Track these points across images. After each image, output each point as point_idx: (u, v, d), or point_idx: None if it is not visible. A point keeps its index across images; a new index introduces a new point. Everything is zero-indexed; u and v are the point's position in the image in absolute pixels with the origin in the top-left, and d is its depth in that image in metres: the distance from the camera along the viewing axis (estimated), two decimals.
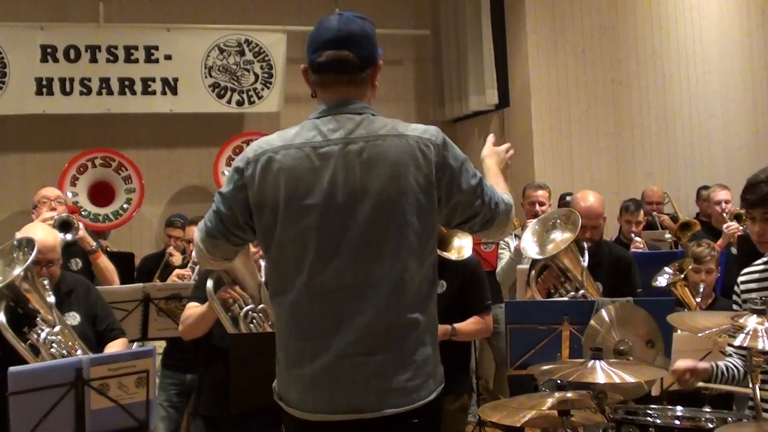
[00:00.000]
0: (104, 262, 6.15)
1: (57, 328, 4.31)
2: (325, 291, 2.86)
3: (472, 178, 3.09)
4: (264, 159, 2.94)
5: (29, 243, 4.37)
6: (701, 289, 5.69)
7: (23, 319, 4.28)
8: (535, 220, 5.41)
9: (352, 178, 2.87)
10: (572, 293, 5.02)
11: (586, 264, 5.11)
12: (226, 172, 9.20)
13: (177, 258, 6.70)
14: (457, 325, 4.81)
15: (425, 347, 2.93)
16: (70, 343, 4.31)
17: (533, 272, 5.12)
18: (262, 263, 4.31)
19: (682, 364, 3.86)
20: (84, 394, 3.51)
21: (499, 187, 3.28)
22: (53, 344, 4.25)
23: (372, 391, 2.84)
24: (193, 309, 4.53)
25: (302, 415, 2.90)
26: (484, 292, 5.00)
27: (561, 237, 5.17)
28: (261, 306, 4.40)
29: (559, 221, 5.22)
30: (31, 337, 4.23)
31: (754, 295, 3.76)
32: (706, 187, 8.84)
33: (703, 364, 3.88)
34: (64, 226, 5.94)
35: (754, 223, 3.71)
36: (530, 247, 5.23)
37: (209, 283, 4.26)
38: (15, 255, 4.36)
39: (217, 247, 3.11)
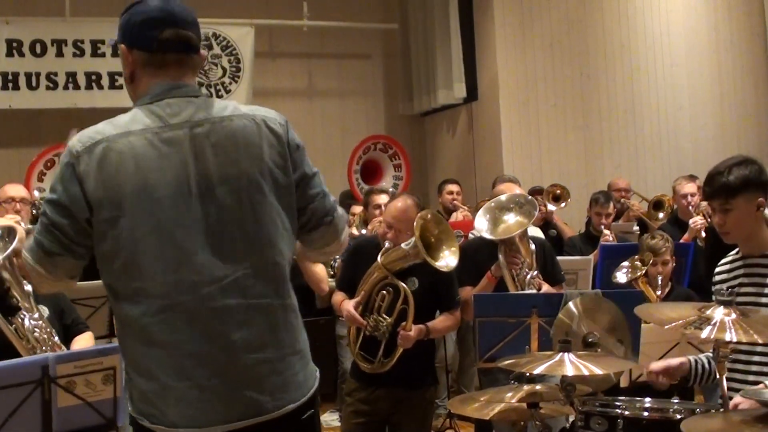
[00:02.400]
0: None
1: (36, 315, 4.27)
2: (196, 287, 2.59)
3: (311, 166, 2.84)
4: (99, 150, 2.58)
5: (11, 232, 4.32)
6: (659, 282, 5.72)
7: (3, 308, 4.24)
8: (491, 201, 5.46)
9: (204, 163, 2.63)
10: (530, 273, 5.10)
11: (533, 248, 5.21)
12: None
13: None
14: (430, 324, 4.79)
15: (303, 332, 2.81)
16: (48, 330, 4.28)
17: (500, 257, 5.14)
18: None
19: (655, 366, 3.81)
20: (51, 392, 3.48)
21: None
22: (36, 330, 4.21)
23: (267, 390, 2.66)
24: None
25: None
26: (454, 289, 4.98)
27: (515, 219, 5.21)
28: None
29: (515, 205, 5.28)
30: (16, 322, 4.17)
31: (720, 286, 3.79)
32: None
33: (677, 362, 3.86)
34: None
35: (715, 214, 3.74)
36: (483, 225, 5.27)
37: None
38: None
39: (58, 266, 2.68)
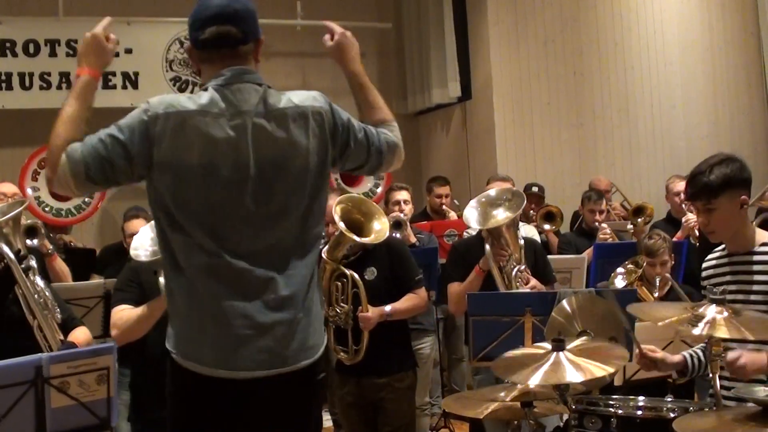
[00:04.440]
0: (59, 265, 6.19)
1: (42, 283, 4.43)
2: (236, 256, 2.96)
3: (358, 132, 3.27)
4: (177, 119, 2.93)
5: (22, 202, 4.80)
6: (657, 283, 5.70)
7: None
8: (482, 194, 5.49)
9: (260, 151, 2.99)
10: (517, 267, 5.11)
11: (522, 242, 5.24)
12: None
13: None
14: (391, 306, 5.00)
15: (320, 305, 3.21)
16: (51, 300, 4.39)
17: (487, 247, 5.17)
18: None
19: (652, 354, 3.76)
20: (44, 393, 3.47)
21: (380, 110, 3.50)
22: (47, 291, 4.39)
23: (290, 347, 3.02)
24: (128, 311, 4.39)
25: (228, 374, 2.97)
26: (412, 268, 5.17)
27: (504, 215, 5.25)
28: None
29: (503, 201, 5.32)
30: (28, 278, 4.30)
31: (709, 282, 3.81)
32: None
33: (675, 358, 3.84)
34: (29, 232, 5.94)
35: (699, 215, 3.75)
36: (472, 216, 5.32)
37: (162, 281, 4.13)
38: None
39: (86, 187, 3.02)
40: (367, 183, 9.92)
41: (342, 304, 4.90)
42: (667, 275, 5.76)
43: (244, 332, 2.96)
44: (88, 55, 3.18)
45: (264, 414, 3.04)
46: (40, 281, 4.41)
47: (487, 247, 5.14)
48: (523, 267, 5.12)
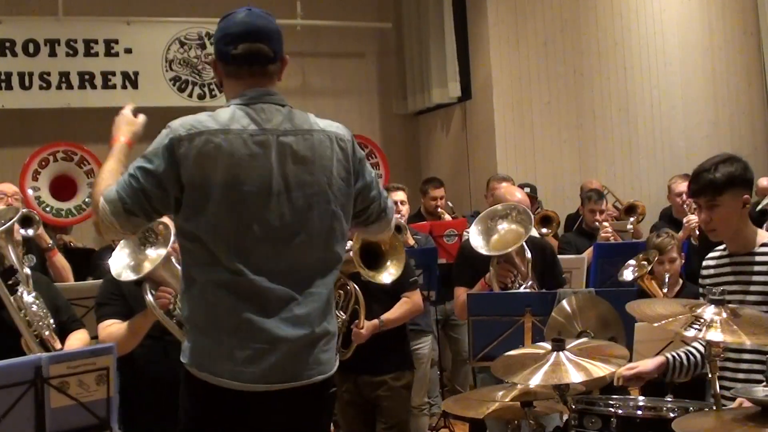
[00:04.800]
0: (60, 261, 6.16)
1: (34, 294, 4.39)
2: (260, 272, 3.00)
3: (370, 172, 3.34)
4: (201, 139, 2.98)
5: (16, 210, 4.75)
6: (666, 280, 5.69)
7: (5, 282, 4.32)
8: (480, 215, 5.33)
9: (285, 168, 3.04)
10: (523, 285, 4.98)
11: (529, 256, 5.05)
12: None
13: None
14: (383, 317, 5.09)
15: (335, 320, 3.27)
16: (44, 310, 4.36)
17: (491, 268, 5.07)
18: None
19: (626, 373, 3.78)
20: (44, 393, 3.47)
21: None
22: (33, 305, 4.32)
23: (305, 361, 3.08)
24: (116, 326, 4.32)
25: (248, 387, 3.00)
26: (408, 270, 5.19)
27: (508, 228, 5.09)
28: None
29: (508, 214, 5.14)
30: (15, 296, 4.26)
31: (708, 281, 3.81)
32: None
33: (653, 365, 3.86)
34: (26, 221, 5.92)
35: (701, 212, 3.75)
36: (477, 242, 5.09)
37: (149, 297, 4.07)
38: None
39: (130, 223, 3.06)
40: None
41: (340, 312, 4.93)
42: (680, 275, 5.78)
43: (260, 346, 3.00)
44: (120, 127, 3.40)
45: (275, 426, 3.09)
46: (28, 296, 4.33)
47: (492, 269, 5.06)
48: (529, 283, 4.98)
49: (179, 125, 3.02)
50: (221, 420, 3.04)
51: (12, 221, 4.57)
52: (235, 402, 3.02)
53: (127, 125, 3.40)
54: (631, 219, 8.12)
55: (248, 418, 3.04)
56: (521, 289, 4.96)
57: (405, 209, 6.95)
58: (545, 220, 8.29)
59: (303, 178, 3.06)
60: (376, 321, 5.05)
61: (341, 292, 4.99)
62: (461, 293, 5.16)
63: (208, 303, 3.04)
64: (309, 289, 3.09)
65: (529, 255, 5.07)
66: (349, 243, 4.69)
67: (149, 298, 4.09)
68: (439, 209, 8.29)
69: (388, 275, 4.99)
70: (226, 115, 3.05)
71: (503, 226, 5.10)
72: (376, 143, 10.39)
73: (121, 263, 4.27)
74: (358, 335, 4.98)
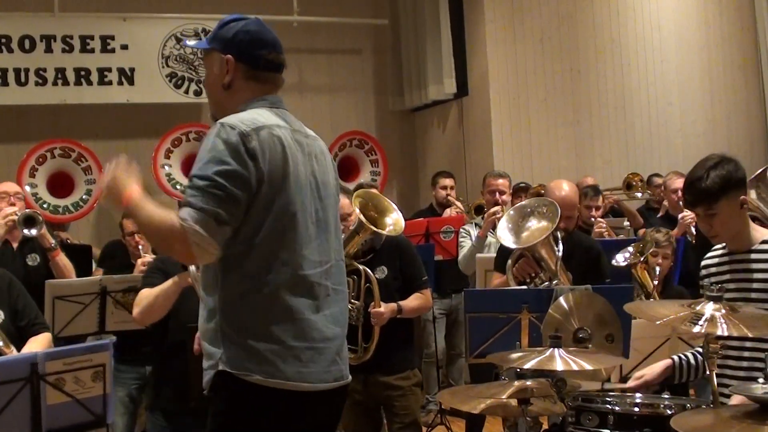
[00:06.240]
0: (62, 260, 6.14)
1: None
2: (313, 266, 3.08)
3: None
4: (265, 133, 2.99)
5: None
6: (657, 272, 5.73)
7: None
8: (512, 207, 5.33)
9: (314, 168, 3.17)
10: (546, 283, 4.96)
11: (560, 254, 5.01)
12: (167, 167, 9.14)
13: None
14: (402, 303, 5.04)
15: None
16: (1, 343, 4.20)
17: (510, 260, 5.08)
18: None
19: (636, 384, 3.86)
20: (40, 390, 3.47)
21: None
22: None
23: (345, 360, 3.23)
24: (148, 291, 4.50)
25: (310, 387, 3.03)
26: (420, 268, 5.22)
27: (537, 225, 5.09)
28: None
29: (537, 210, 5.14)
30: None
31: (708, 280, 3.81)
32: (657, 175, 8.95)
33: (659, 369, 3.87)
34: (28, 221, 5.94)
35: (700, 221, 3.74)
36: (505, 236, 5.12)
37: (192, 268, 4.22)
38: None
39: (224, 236, 2.89)
40: (362, 179, 9.91)
41: (353, 301, 4.85)
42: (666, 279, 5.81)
43: (318, 345, 3.06)
44: (124, 182, 3.10)
45: (318, 426, 3.16)
46: None
47: (510, 262, 5.04)
48: (555, 282, 4.91)
49: (237, 121, 2.96)
50: (279, 423, 3.01)
51: None
52: (297, 403, 3.03)
53: (131, 177, 3.11)
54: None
55: (306, 418, 3.07)
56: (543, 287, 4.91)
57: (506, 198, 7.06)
58: None
59: (324, 178, 3.19)
60: (394, 304, 4.96)
61: (350, 279, 4.75)
62: (495, 278, 5.29)
63: (267, 306, 2.98)
64: (339, 285, 3.22)
65: (559, 252, 5.03)
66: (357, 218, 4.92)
67: (193, 269, 4.22)
68: (450, 198, 8.38)
69: (397, 224, 5.09)
70: (265, 113, 3.09)
71: (531, 223, 5.09)
72: (375, 139, 10.40)
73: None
74: (377, 315, 4.86)
